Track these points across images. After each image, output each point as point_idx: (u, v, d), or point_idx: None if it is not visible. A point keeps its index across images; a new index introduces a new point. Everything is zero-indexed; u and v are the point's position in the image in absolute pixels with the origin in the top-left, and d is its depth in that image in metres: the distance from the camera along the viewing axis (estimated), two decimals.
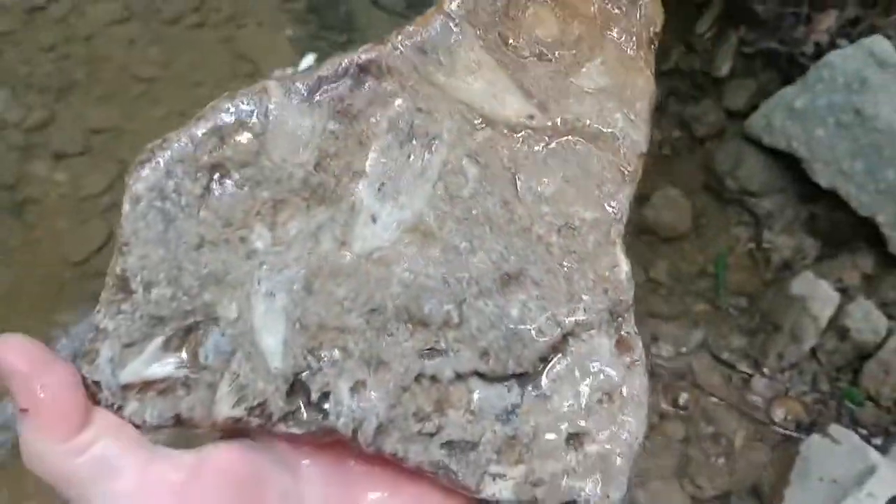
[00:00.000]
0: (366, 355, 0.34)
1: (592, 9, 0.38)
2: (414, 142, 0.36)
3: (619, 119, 0.37)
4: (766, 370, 1.32)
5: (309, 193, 0.34)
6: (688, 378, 1.33)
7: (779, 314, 1.33)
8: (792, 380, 1.31)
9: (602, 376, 0.35)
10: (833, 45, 1.39)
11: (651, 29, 0.38)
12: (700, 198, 1.48)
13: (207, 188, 0.34)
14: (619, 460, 0.35)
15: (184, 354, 0.33)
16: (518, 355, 0.35)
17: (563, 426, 0.35)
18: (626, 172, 0.37)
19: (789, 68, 1.45)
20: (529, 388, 0.35)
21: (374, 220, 0.35)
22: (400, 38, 0.36)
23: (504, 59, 0.37)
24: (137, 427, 0.32)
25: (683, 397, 1.31)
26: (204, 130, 0.34)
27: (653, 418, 1.28)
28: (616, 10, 0.38)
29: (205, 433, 0.35)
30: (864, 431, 1.23)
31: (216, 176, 0.34)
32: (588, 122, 0.37)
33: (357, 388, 0.34)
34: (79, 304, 1.39)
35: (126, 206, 0.33)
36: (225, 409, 0.33)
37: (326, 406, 0.33)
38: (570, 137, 0.37)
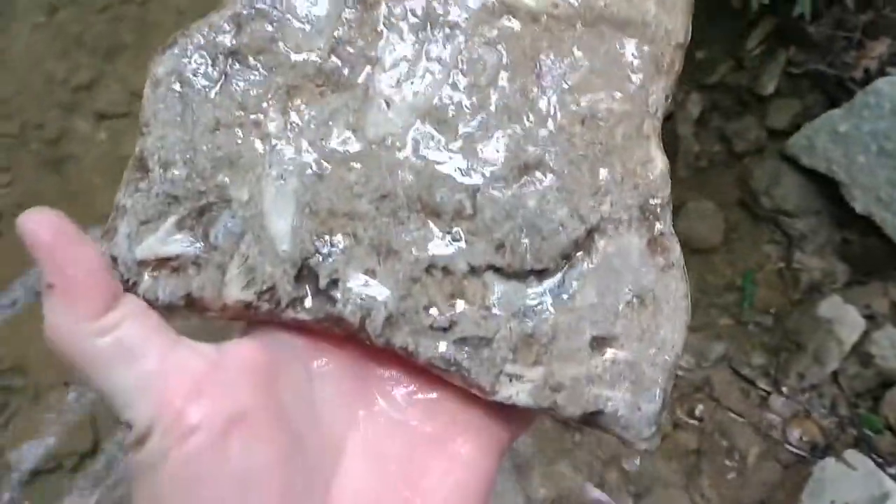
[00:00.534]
0: (375, 242, 0.33)
1: None
2: (431, 29, 0.35)
3: (651, 6, 0.35)
4: (785, 389, 1.31)
5: (323, 80, 0.35)
6: (705, 390, 1.32)
7: (803, 335, 1.32)
8: (811, 401, 1.30)
9: (631, 277, 0.33)
10: (882, 73, 1.38)
11: None
12: (734, 213, 1.47)
13: (224, 73, 0.34)
14: (650, 370, 0.33)
15: (196, 234, 0.34)
16: (537, 249, 0.33)
17: (587, 328, 0.33)
18: (660, 63, 0.35)
19: (836, 92, 1.44)
20: (550, 285, 0.33)
21: (387, 105, 0.34)
22: None
23: None
24: (151, 306, 0.33)
25: (700, 409, 1.30)
26: (223, 18, 0.35)
27: (666, 426, 1.28)
28: None
29: (222, 326, 0.35)
30: (880, 459, 1.22)
31: (233, 62, 0.35)
32: (616, 9, 0.35)
33: (366, 276, 0.33)
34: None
35: (147, 90, 0.34)
36: (234, 291, 0.33)
37: (334, 293, 0.33)
38: (596, 25, 0.35)
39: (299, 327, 0.34)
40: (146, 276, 0.33)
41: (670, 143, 1.42)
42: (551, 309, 0.33)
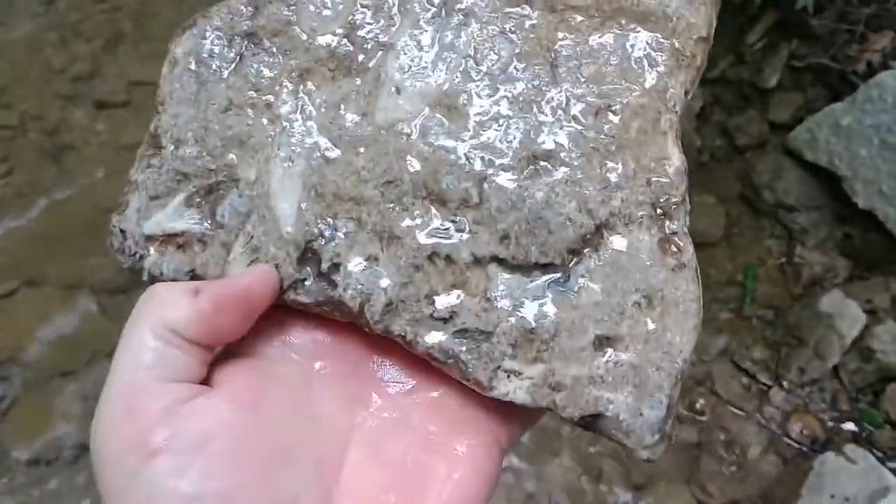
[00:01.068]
0: (378, 228, 0.33)
1: None
2: (446, 16, 0.35)
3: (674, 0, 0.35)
4: (785, 384, 1.31)
5: (336, 64, 0.35)
6: (706, 384, 1.32)
7: (804, 329, 1.32)
8: (811, 396, 1.30)
9: (639, 276, 0.32)
10: (885, 66, 1.38)
11: None
12: (735, 207, 1.47)
13: (240, 55, 0.35)
14: (656, 374, 0.32)
15: (203, 212, 0.34)
16: (542, 242, 0.32)
17: (591, 327, 0.32)
18: (680, 57, 0.34)
19: (838, 85, 1.44)
20: (555, 281, 0.33)
21: (398, 91, 0.34)
22: None
23: None
24: (154, 279, 0.34)
25: (700, 402, 1.30)
26: (242, 1, 0.35)
27: None
28: None
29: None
30: (881, 454, 1.22)
31: (249, 43, 0.35)
32: (637, 2, 0.35)
33: (368, 261, 0.33)
34: (109, 251, 1.40)
35: (165, 68, 0.35)
36: (237, 270, 0.33)
37: (335, 277, 0.33)
38: (615, 17, 0.34)
39: (299, 312, 0.34)
40: (152, 251, 0.34)
41: None
42: (555, 305, 0.32)
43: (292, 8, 0.35)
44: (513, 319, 0.32)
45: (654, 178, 0.33)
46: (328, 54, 0.35)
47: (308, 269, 0.33)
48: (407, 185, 0.33)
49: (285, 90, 0.34)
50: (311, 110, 0.34)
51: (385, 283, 0.33)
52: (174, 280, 0.34)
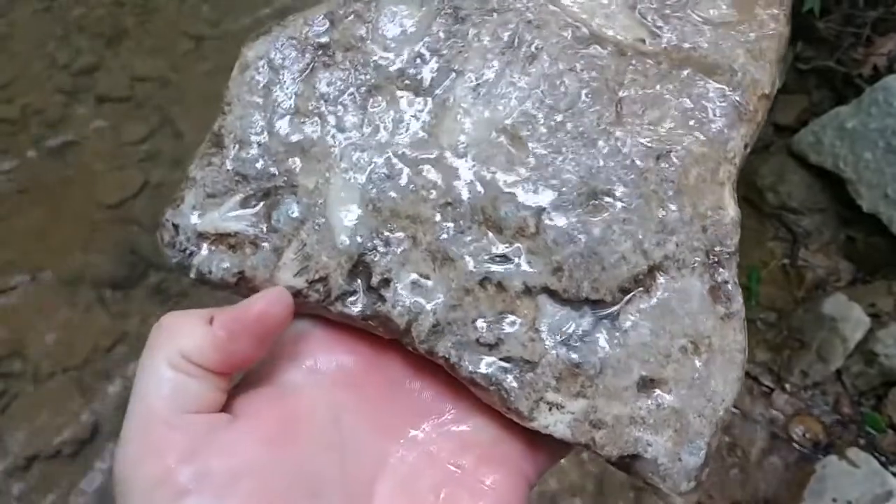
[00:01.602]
0: (432, 248, 0.33)
1: None
2: (517, 49, 0.35)
3: (741, 55, 0.35)
4: (788, 386, 1.30)
5: (405, 83, 0.35)
6: None
7: (807, 332, 1.32)
8: (814, 399, 1.29)
9: (688, 321, 0.32)
10: (891, 70, 1.38)
11: None
12: (739, 209, 1.46)
13: (311, 65, 0.35)
14: (697, 421, 0.32)
15: (259, 214, 0.34)
16: (595, 279, 0.33)
17: (637, 367, 0.32)
18: (743, 111, 0.35)
19: (844, 88, 1.44)
20: (604, 318, 0.33)
21: (465, 116, 0.35)
22: None
23: None
24: (202, 282, 0.34)
25: None
26: (319, 13, 0.36)
27: None
28: None
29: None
30: (883, 458, 1.21)
31: (322, 55, 0.35)
32: (705, 53, 0.35)
33: (419, 280, 0.33)
34: (110, 246, 1.40)
35: (235, 71, 0.36)
36: (287, 276, 0.33)
37: (385, 293, 0.33)
38: (682, 67, 0.35)
39: (325, 337, 0.34)
40: (204, 248, 0.34)
41: None
42: (602, 342, 0.32)
43: (367, 25, 0.36)
44: (559, 352, 0.32)
45: (709, 226, 0.34)
46: (398, 73, 0.35)
47: (358, 282, 0.33)
48: (465, 208, 0.33)
49: (352, 104, 0.35)
50: (376, 125, 0.35)
51: (434, 303, 0.33)
52: (221, 280, 0.34)
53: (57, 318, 1.33)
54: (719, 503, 1.23)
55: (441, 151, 0.34)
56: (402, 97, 0.35)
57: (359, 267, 0.33)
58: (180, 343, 0.30)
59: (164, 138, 1.58)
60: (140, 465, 0.28)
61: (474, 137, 0.34)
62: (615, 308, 0.33)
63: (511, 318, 0.33)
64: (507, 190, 0.34)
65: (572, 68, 0.35)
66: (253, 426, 0.30)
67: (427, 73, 0.35)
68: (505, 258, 0.33)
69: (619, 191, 0.33)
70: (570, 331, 0.33)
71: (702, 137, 0.34)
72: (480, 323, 0.33)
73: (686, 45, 0.36)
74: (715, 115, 0.35)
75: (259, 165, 0.34)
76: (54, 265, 1.38)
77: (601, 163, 0.34)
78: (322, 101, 0.35)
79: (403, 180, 0.34)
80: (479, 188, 0.34)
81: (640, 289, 0.33)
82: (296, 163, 0.34)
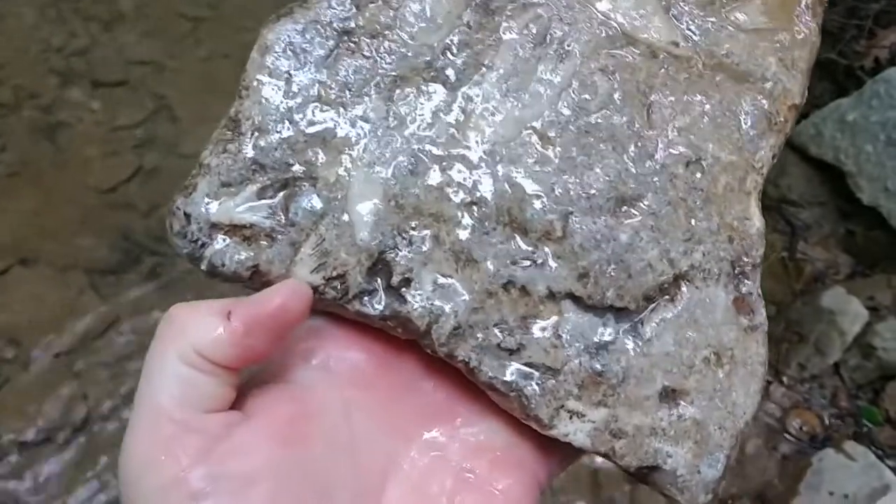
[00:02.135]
0: (456, 248, 0.32)
1: None
2: (547, 46, 0.34)
3: (773, 63, 0.35)
4: (785, 379, 1.30)
5: (432, 76, 0.34)
6: None
7: (805, 325, 1.32)
8: (811, 392, 1.29)
9: (712, 332, 0.32)
10: (893, 62, 1.37)
11: None
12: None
13: (335, 51, 0.34)
14: (718, 433, 0.32)
15: (276, 206, 0.32)
16: (620, 286, 0.32)
17: (659, 377, 0.32)
18: (773, 121, 0.34)
19: (845, 80, 1.43)
20: (628, 326, 0.32)
21: (493, 113, 0.33)
22: None
23: None
24: (213, 275, 0.32)
25: None
26: None
27: None
28: None
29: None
30: (880, 452, 1.22)
31: (345, 41, 0.34)
32: (737, 60, 0.35)
33: (441, 281, 0.32)
34: (103, 231, 1.39)
35: (254, 54, 0.33)
36: (303, 272, 0.32)
37: (405, 293, 0.32)
38: (715, 72, 0.35)
39: (339, 334, 0.33)
40: (218, 240, 0.32)
41: None
42: (626, 350, 0.32)
43: (394, 12, 0.34)
44: (582, 360, 0.32)
45: (735, 237, 0.33)
46: (425, 65, 0.34)
47: (378, 280, 0.32)
48: (490, 208, 0.32)
49: (377, 94, 0.33)
50: (401, 118, 0.33)
51: (456, 305, 0.32)
52: (234, 273, 0.32)
53: (49, 303, 1.31)
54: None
55: (468, 149, 0.33)
56: (428, 90, 0.34)
57: (379, 265, 0.32)
58: (192, 337, 0.28)
59: (159, 123, 1.56)
60: (151, 467, 0.27)
61: (502, 135, 0.33)
62: (639, 316, 0.32)
63: (534, 323, 0.32)
64: (534, 191, 0.33)
65: (604, 68, 0.34)
66: (266, 425, 0.29)
67: (455, 67, 0.34)
68: (530, 261, 0.32)
69: (648, 197, 0.33)
70: (594, 338, 0.32)
71: (732, 146, 0.34)
72: (503, 327, 0.32)
73: (718, 51, 0.35)
74: (745, 124, 0.34)
75: (277, 154, 0.33)
76: (47, 249, 1.37)
77: (631, 167, 0.33)
78: (346, 90, 0.33)
79: (428, 177, 0.33)
80: (506, 188, 0.33)
81: (665, 297, 0.33)
82: (316, 153, 0.33)
